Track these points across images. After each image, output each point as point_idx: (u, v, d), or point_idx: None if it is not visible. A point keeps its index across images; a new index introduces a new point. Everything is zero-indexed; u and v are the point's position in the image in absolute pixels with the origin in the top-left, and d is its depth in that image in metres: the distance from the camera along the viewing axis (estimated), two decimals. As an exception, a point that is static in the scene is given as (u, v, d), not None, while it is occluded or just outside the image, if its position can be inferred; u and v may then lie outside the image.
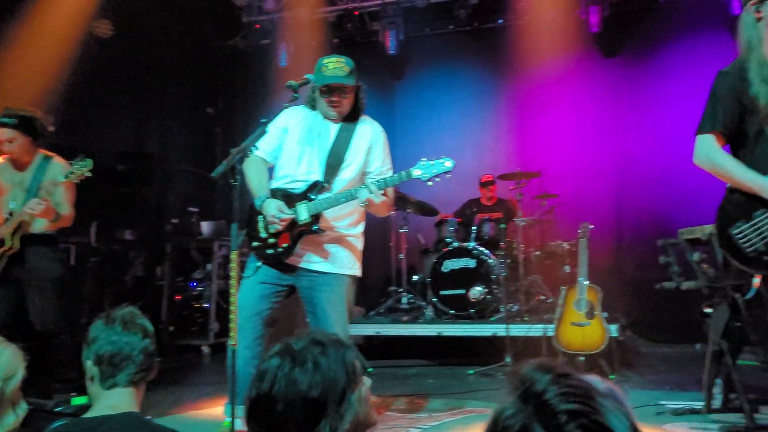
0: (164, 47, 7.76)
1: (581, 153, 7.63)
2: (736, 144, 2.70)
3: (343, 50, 8.35)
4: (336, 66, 3.41)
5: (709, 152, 2.68)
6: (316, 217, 3.40)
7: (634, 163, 7.53)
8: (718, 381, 3.90)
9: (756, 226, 2.54)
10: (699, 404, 3.91)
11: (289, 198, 3.43)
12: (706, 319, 3.78)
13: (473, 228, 6.73)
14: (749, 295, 3.42)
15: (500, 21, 8.15)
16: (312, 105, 3.58)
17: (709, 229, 3.73)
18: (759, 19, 2.61)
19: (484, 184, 7.37)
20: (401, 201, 6.79)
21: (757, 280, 3.07)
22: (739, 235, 2.57)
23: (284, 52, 8.35)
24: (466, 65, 8.37)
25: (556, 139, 7.65)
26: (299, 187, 3.47)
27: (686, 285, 3.88)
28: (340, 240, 3.53)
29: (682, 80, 7.25)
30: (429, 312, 6.50)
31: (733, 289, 3.75)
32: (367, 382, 1.45)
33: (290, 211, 3.36)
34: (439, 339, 6.10)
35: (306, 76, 3.41)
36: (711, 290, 3.92)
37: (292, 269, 3.47)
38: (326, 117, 3.52)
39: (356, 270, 3.59)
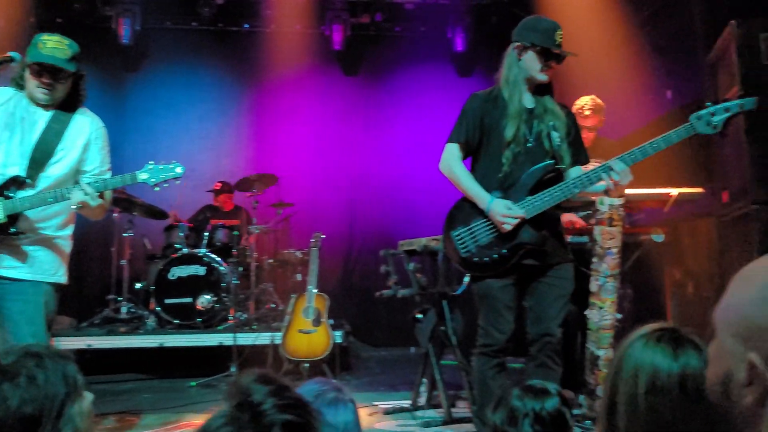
0: None
1: (318, 165, 7.86)
2: (475, 158, 3.01)
3: (68, 32, 7.51)
4: (56, 46, 2.99)
5: (450, 160, 2.96)
6: (13, 218, 2.95)
7: (365, 178, 7.96)
8: (425, 380, 4.29)
9: (471, 232, 2.85)
10: (407, 402, 4.25)
11: (-18, 194, 2.93)
12: (418, 324, 4.12)
13: (205, 234, 6.49)
14: (459, 291, 3.84)
15: (246, 26, 8.06)
16: (19, 85, 3.10)
17: (424, 241, 4.10)
18: (519, 59, 2.92)
19: (215, 192, 7.17)
20: (127, 203, 6.28)
21: (467, 279, 3.44)
22: (457, 238, 2.87)
23: (-9, 26, 7.21)
24: (208, 66, 8.07)
25: (295, 150, 7.78)
26: (-7, 181, 2.98)
27: (402, 293, 4.20)
28: (43, 243, 3.08)
29: (411, 104, 7.95)
30: (151, 322, 6.08)
31: (440, 297, 4.18)
32: (89, 396, 1.39)
33: (-16, 210, 2.87)
34: (162, 351, 5.75)
35: (9, 54, 2.96)
36: (423, 298, 4.31)
37: (-23, 275, 2.96)
38: (33, 101, 3.08)
39: (59, 277, 3.14)
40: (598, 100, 4.26)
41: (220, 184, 7.14)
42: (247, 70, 7.96)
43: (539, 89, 2.95)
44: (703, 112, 2.61)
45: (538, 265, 2.85)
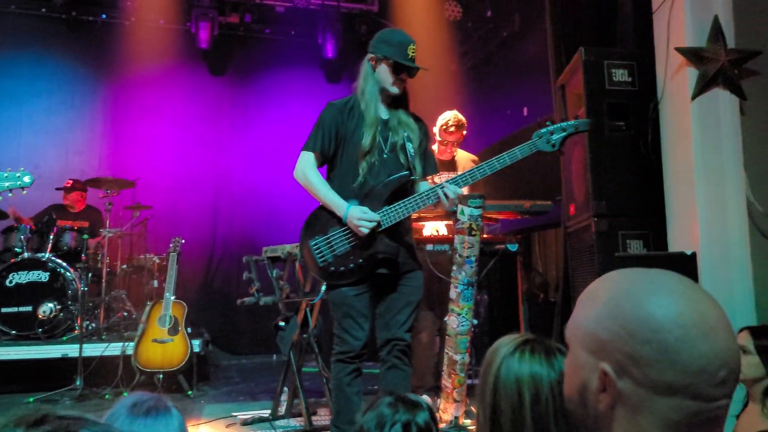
0: None
1: (179, 165, 7.55)
2: (330, 167, 2.99)
3: None
4: None
5: (306, 168, 2.92)
6: None
7: (229, 181, 7.77)
8: (286, 389, 4.22)
9: (329, 241, 2.84)
10: (267, 412, 4.16)
11: None
12: (280, 333, 4.05)
13: (50, 237, 5.98)
14: (317, 299, 3.82)
15: (103, 16, 7.58)
16: None
17: (288, 248, 4.04)
18: (374, 71, 2.93)
19: (66, 190, 6.64)
20: (-41, 200, 5.66)
21: (324, 287, 3.42)
22: (315, 247, 2.84)
23: None
24: (58, 56, 7.49)
25: (154, 149, 7.43)
26: None
27: (264, 300, 4.11)
28: None
29: (279, 108, 7.87)
30: (-15, 333, 5.52)
31: (304, 304, 4.14)
32: None
33: None
34: (-4, 365, 5.23)
35: None
36: (286, 305, 4.25)
37: None
38: None
39: None
40: (461, 116, 4.44)
41: (71, 182, 6.62)
42: (103, 64, 7.49)
43: (395, 101, 3.01)
44: (543, 130, 2.80)
45: (392, 273, 2.91)
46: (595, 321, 0.94)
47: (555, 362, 1.29)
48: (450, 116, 4.43)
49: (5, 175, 2.90)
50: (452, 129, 4.39)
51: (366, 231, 2.76)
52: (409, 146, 2.95)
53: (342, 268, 2.82)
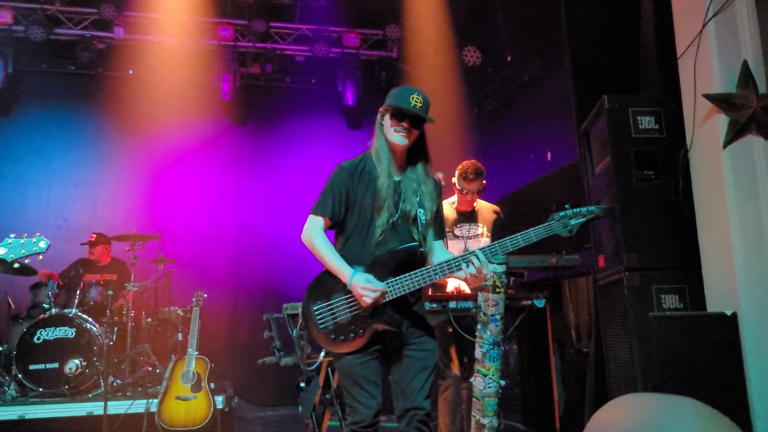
0: None
1: (202, 216, 7.59)
2: (339, 230, 2.91)
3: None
4: None
5: (313, 233, 2.84)
6: None
7: (252, 230, 7.77)
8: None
9: (331, 307, 2.74)
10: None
11: None
12: (301, 394, 3.95)
13: (77, 292, 6.01)
14: (313, 367, 3.71)
15: (130, 72, 7.74)
16: None
17: (308, 305, 3.96)
18: (382, 124, 2.88)
19: (90, 244, 6.70)
20: (-12, 257, 5.73)
21: (322, 354, 3.30)
22: (317, 313, 2.75)
23: None
24: (85, 111, 7.67)
25: (178, 200, 7.50)
26: None
27: (285, 361, 4.03)
28: None
29: (300, 155, 7.90)
30: (12, 390, 5.52)
31: (329, 365, 4.04)
32: None
33: None
34: (23, 423, 5.21)
35: None
36: (307, 365, 4.16)
37: None
38: None
39: None
40: (479, 164, 4.35)
41: (95, 236, 6.68)
42: (129, 117, 7.61)
43: (410, 157, 2.93)
44: (561, 213, 2.72)
45: (397, 342, 2.79)
46: None
47: None
48: (468, 164, 4.35)
49: (21, 242, 2.92)
50: (471, 176, 4.29)
51: (369, 301, 2.66)
52: (421, 214, 2.85)
53: (342, 337, 2.71)
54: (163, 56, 7.53)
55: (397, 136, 2.82)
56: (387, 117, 2.86)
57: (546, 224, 2.70)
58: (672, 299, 3.34)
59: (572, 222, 2.69)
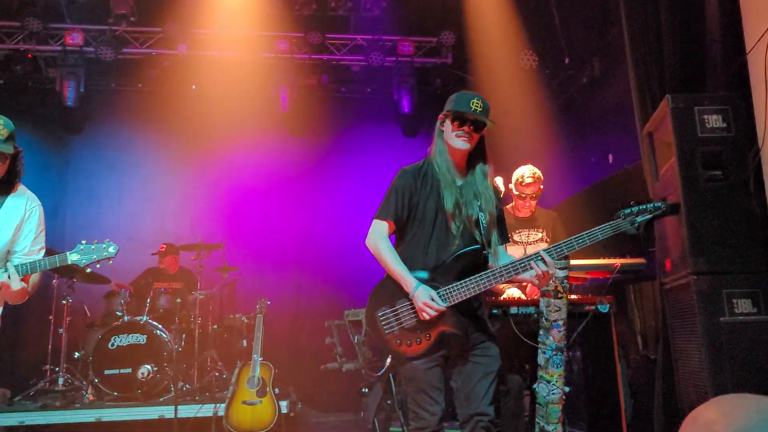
0: None
1: (264, 227, 7.77)
2: (401, 234, 2.95)
3: (10, 93, 7.46)
4: None
5: (378, 238, 2.88)
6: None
7: (312, 239, 7.90)
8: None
9: (396, 312, 2.77)
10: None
11: None
12: (363, 399, 4.00)
13: (147, 300, 6.26)
14: (380, 373, 3.73)
15: (193, 87, 8.01)
16: None
17: (370, 312, 4.01)
18: (442, 130, 2.91)
19: (160, 254, 6.97)
20: (67, 269, 6.03)
21: (388, 360, 3.33)
22: (382, 318, 2.78)
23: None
24: (153, 126, 7.96)
25: (240, 211, 7.71)
26: None
27: (347, 367, 4.09)
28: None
29: (357, 164, 7.99)
30: (88, 394, 5.78)
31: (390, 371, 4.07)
32: None
33: None
34: (99, 425, 5.44)
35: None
36: (369, 370, 4.20)
37: None
38: None
39: None
40: (536, 169, 4.32)
41: (164, 246, 6.95)
42: (193, 131, 7.87)
43: (470, 162, 2.94)
44: (627, 210, 2.68)
45: (462, 347, 2.79)
46: None
47: None
48: (525, 169, 4.32)
49: (92, 248, 3.03)
50: (529, 181, 4.26)
51: (427, 317, 2.68)
52: (482, 218, 2.85)
53: (408, 341, 2.73)
54: (223, 71, 7.74)
55: (458, 141, 2.84)
56: (447, 122, 2.88)
57: (612, 222, 2.67)
58: (745, 304, 3.22)
59: (638, 219, 2.66)
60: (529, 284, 3.56)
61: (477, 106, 2.81)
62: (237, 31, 7.35)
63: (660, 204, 2.67)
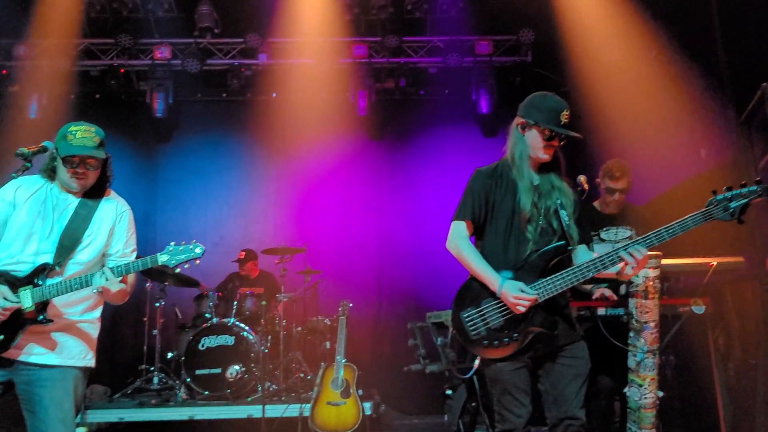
0: None
1: (344, 230, 7.86)
2: (479, 235, 2.93)
3: (105, 107, 7.90)
4: (84, 135, 3.03)
5: (458, 239, 2.88)
6: (42, 305, 2.95)
7: (393, 243, 7.92)
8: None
9: (482, 313, 2.74)
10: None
11: (13, 282, 2.94)
12: (448, 401, 3.98)
13: (234, 303, 6.48)
14: (468, 375, 3.69)
15: (274, 94, 8.23)
16: (50, 175, 3.15)
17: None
18: (523, 135, 2.88)
19: (240, 262, 7.16)
20: (159, 273, 6.35)
21: (477, 362, 3.30)
22: (468, 320, 2.75)
23: (35, 102, 7.50)
24: (237, 134, 8.24)
25: (321, 215, 7.83)
26: (24, 269, 3.00)
27: (430, 368, 4.08)
28: (69, 328, 3.07)
29: (436, 166, 7.96)
30: (182, 393, 6.04)
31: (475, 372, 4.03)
32: None
33: (14, 297, 2.88)
34: (191, 423, 5.68)
35: (43, 144, 3.03)
36: (452, 372, 4.18)
37: (8, 363, 2.95)
38: (66, 189, 3.13)
39: (88, 360, 3.14)
40: (624, 162, 4.15)
41: (243, 253, 7.15)
42: (275, 138, 8.05)
43: (545, 165, 2.89)
44: (719, 197, 2.52)
45: (551, 347, 2.73)
46: None
47: None
48: (613, 162, 4.16)
49: (180, 249, 3.11)
50: (617, 174, 4.10)
51: (523, 310, 2.63)
52: (563, 213, 2.79)
53: (496, 342, 2.70)
54: (303, 77, 7.90)
55: (545, 153, 2.81)
56: (534, 132, 2.83)
57: (704, 209, 2.54)
58: None
59: (732, 204, 2.50)
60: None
61: (566, 118, 2.77)
62: (315, 38, 7.49)
63: (756, 187, 2.50)
